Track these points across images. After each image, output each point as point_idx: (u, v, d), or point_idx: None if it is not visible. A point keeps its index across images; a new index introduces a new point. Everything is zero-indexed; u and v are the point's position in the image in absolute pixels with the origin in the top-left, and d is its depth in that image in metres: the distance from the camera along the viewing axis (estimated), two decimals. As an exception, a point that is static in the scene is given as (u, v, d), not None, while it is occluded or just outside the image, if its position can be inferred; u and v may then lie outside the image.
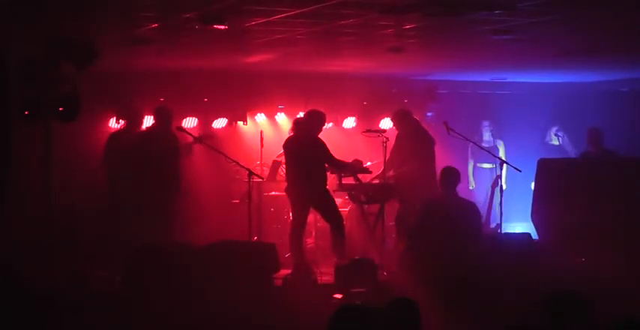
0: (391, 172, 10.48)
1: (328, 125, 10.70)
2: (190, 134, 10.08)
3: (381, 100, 12.55)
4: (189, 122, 11.57)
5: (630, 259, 8.84)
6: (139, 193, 9.78)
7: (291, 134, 10.16)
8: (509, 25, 7.83)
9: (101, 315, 7.53)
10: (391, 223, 10.39)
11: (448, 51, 10.01)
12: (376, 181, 10.40)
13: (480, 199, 11.92)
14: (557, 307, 5.15)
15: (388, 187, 10.12)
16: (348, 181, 9.92)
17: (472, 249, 8.56)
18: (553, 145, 13.04)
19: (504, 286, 8.07)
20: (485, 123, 12.88)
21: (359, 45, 9.23)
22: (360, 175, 9.94)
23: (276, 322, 7.63)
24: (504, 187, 10.51)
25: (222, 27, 7.43)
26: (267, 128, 11.96)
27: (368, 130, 10.51)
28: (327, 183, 9.76)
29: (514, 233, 10.60)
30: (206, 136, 10.27)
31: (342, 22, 7.62)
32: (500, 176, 10.82)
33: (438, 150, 10.62)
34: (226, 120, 11.96)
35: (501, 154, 12.49)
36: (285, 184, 9.88)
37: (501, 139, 12.97)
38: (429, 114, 12.58)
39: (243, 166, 9.56)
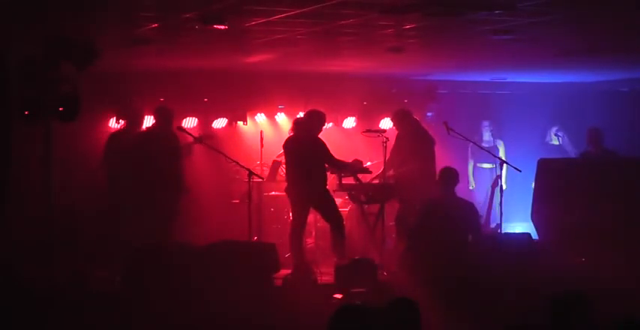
0: (391, 172, 10.48)
1: (328, 125, 10.70)
2: (190, 134, 10.08)
3: (381, 100, 12.55)
4: (189, 122, 11.57)
5: (630, 259, 8.84)
6: (139, 193, 9.78)
7: (291, 134, 10.16)
8: (509, 25, 7.83)
9: (101, 315, 7.53)
10: (391, 223, 10.39)
11: (448, 51, 10.01)
12: (376, 181, 10.40)
13: (480, 199, 11.93)
14: (558, 307, 5.16)
15: (388, 187, 10.12)
16: (348, 181, 9.92)
17: (472, 249, 8.58)
18: (553, 145, 13.05)
19: (504, 286, 8.07)
20: (485, 123, 12.89)
21: (359, 45, 9.23)
22: (360, 175, 9.94)
23: (276, 322, 7.63)
24: (504, 187, 10.51)
25: (222, 27, 7.43)
26: (267, 128, 11.96)
27: (368, 130, 10.51)
28: (327, 183, 9.76)
29: (514, 233, 10.60)
30: (206, 136, 10.27)
31: (342, 22, 7.62)
32: (500, 176, 10.82)
33: (438, 150, 10.62)
34: (226, 120, 11.96)
35: (501, 154, 12.49)
36: (285, 184, 9.88)
37: (501, 139, 12.97)
38: (429, 114, 12.58)
39: (243, 166, 9.56)
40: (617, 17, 7.71)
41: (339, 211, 9.88)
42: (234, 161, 9.63)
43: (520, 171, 10.12)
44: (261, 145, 11.08)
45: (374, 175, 10.42)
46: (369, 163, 10.59)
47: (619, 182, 9.93)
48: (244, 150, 11.45)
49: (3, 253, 8.34)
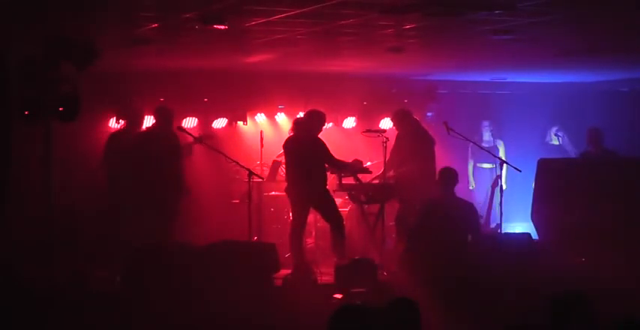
0: (391, 173, 10.48)
1: (328, 125, 10.70)
2: (190, 134, 10.08)
3: (381, 100, 12.55)
4: (189, 122, 11.57)
5: (630, 259, 8.84)
6: (139, 193, 9.78)
7: (291, 134, 10.16)
8: (509, 25, 7.83)
9: (101, 315, 7.53)
10: (391, 223, 10.39)
11: (448, 51, 10.01)
12: (376, 181, 10.40)
13: (480, 199, 11.94)
14: (558, 307, 5.16)
15: (388, 187, 10.12)
16: (348, 181, 9.92)
17: (472, 249, 8.58)
18: (553, 145, 13.05)
19: (504, 286, 8.07)
20: (485, 123, 12.89)
21: (359, 45, 9.23)
22: (360, 175, 9.94)
23: (276, 322, 7.63)
24: (504, 187, 10.51)
25: (222, 27, 7.43)
26: (267, 128, 11.96)
27: (368, 130, 10.52)
28: (327, 183, 9.76)
29: (514, 233, 10.60)
30: (206, 136, 10.27)
31: (342, 22, 7.62)
32: (500, 176, 10.82)
33: (438, 150, 10.62)
34: (226, 120, 11.96)
35: (501, 154, 12.49)
36: (285, 184, 9.88)
37: (501, 139, 12.97)
38: (429, 114, 12.58)
39: (243, 166, 9.56)
40: (617, 17, 7.71)
41: (339, 211, 9.88)
42: (234, 161, 9.63)
43: (520, 171, 10.12)
44: (261, 145, 11.08)
45: (374, 175, 10.42)
46: (369, 163, 10.60)
47: (619, 182, 9.93)
48: (244, 150, 11.45)
49: (3, 253, 8.34)
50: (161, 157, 9.84)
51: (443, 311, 7.21)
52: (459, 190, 9.03)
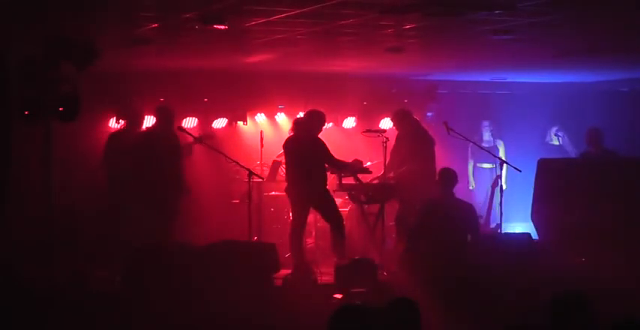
0: (391, 173, 10.48)
1: (328, 125, 10.69)
2: (190, 134, 10.08)
3: (381, 100, 12.55)
4: (189, 122, 11.57)
5: (630, 259, 8.84)
6: (139, 193, 9.78)
7: (291, 134, 10.16)
8: (509, 25, 7.83)
9: (101, 315, 7.53)
10: (391, 223, 10.39)
11: (448, 51, 10.01)
12: (376, 182, 10.40)
13: (480, 199, 11.93)
14: (558, 307, 5.16)
15: (388, 187, 10.12)
16: (348, 181, 9.92)
17: (472, 249, 8.58)
18: (553, 145, 13.05)
19: (504, 286, 8.07)
20: (485, 123, 12.88)
21: (359, 45, 9.23)
22: (360, 175, 9.94)
23: (276, 322, 7.63)
24: (504, 187, 10.51)
25: (222, 27, 7.43)
26: (267, 128, 11.95)
27: (368, 130, 10.53)
28: (327, 183, 9.76)
29: (514, 233, 10.60)
30: (206, 137, 10.27)
31: (342, 22, 7.62)
32: (500, 176, 10.82)
33: (438, 150, 10.63)
34: (226, 120, 11.95)
35: (501, 154, 12.48)
36: (285, 184, 9.88)
37: (501, 139, 12.97)
38: (429, 114, 12.57)
39: (243, 166, 9.56)
40: (617, 17, 7.71)
41: (339, 211, 9.88)
42: (234, 161, 9.63)
43: (520, 171, 10.12)
44: (261, 145, 11.09)
45: (374, 175, 10.42)
46: (369, 163, 10.60)
47: (619, 182, 9.93)
48: (244, 150, 11.44)
49: (3, 253, 8.34)
50: (162, 157, 9.84)
51: (443, 311, 7.21)
52: (458, 190, 9.04)
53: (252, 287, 8.12)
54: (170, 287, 8.01)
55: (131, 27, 7.93)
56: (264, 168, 11.03)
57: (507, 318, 7.06)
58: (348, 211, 10.98)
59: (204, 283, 8.03)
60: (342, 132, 12.41)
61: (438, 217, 8.59)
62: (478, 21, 7.63)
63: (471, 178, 12.85)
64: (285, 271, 9.11)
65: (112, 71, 9.74)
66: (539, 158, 10.53)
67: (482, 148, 11.54)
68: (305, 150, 9.63)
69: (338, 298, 8.30)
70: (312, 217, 10.29)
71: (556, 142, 12.97)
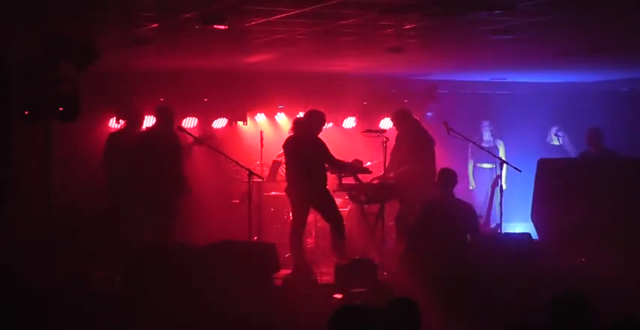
0: (391, 173, 10.48)
1: (328, 125, 10.69)
2: (191, 134, 10.08)
3: (381, 100, 12.55)
4: (189, 122, 11.56)
5: (630, 259, 8.84)
6: (139, 193, 9.78)
7: (291, 134, 10.16)
8: (509, 25, 7.83)
9: (101, 315, 7.53)
10: (391, 223, 10.39)
11: (448, 51, 10.01)
12: (376, 182, 10.40)
13: (480, 199, 11.93)
14: (558, 307, 5.16)
15: (388, 187, 10.12)
16: (348, 181, 9.92)
17: (472, 249, 8.58)
18: (553, 145, 13.05)
19: (504, 286, 8.07)
20: (485, 123, 12.88)
21: (359, 45, 9.23)
22: (360, 175, 9.94)
23: (276, 322, 7.63)
24: (504, 187, 10.51)
25: (222, 27, 7.43)
26: (267, 128, 11.95)
27: (368, 130, 10.54)
28: (327, 183, 9.76)
29: (514, 233, 10.60)
30: (206, 138, 10.26)
31: (342, 22, 7.62)
32: (500, 176, 10.82)
33: (438, 150, 10.63)
34: (226, 120, 11.95)
35: (501, 154, 12.48)
36: (285, 184, 9.88)
37: (501, 139, 12.97)
38: (429, 114, 12.57)
39: (243, 166, 9.56)
40: (617, 17, 7.71)
41: (339, 211, 9.88)
42: (234, 161, 9.63)
43: (520, 171, 10.12)
44: (261, 145, 11.09)
45: (374, 175, 10.41)
46: (369, 163, 10.60)
47: (619, 182, 9.93)
48: (244, 150, 11.44)
49: (3, 253, 8.34)
50: (162, 157, 9.84)
51: (443, 311, 7.21)
52: (458, 190, 9.04)
53: (252, 287, 8.12)
54: (170, 287, 8.01)
55: (131, 27, 7.93)
56: (264, 168, 11.03)
57: (507, 318, 7.06)
58: (348, 211, 10.98)
59: (204, 283, 8.03)
60: (342, 132, 12.41)
61: (438, 217, 8.59)
62: (478, 21, 7.63)
63: (471, 178, 12.85)
64: (285, 271, 9.11)
65: (112, 71, 9.74)
66: (539, 158, 10.53)
67: (482, 148, 11.54)
68: (305, 150, 9.63)
69: (338, 298, 8.30)
70: (312, 217, 10.29)
71: (556, 142, 12.97)
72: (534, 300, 7.00)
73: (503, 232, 9.92)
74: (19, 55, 8.03)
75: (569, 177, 10.13)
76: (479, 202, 11.64)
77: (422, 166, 10.25)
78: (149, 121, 10.63)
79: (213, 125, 11.84)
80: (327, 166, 9.68)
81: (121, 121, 10.64)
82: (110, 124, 11.01)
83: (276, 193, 11.06)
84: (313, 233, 10.75)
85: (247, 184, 9.42)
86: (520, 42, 8.75)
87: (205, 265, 8.27)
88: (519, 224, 11.93)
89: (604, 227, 9.61)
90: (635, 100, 13.05)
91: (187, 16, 7.25)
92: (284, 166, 10.14)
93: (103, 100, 10.59)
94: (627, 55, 10.25)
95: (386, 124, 12.18)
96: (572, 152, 12.63)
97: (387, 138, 10.12)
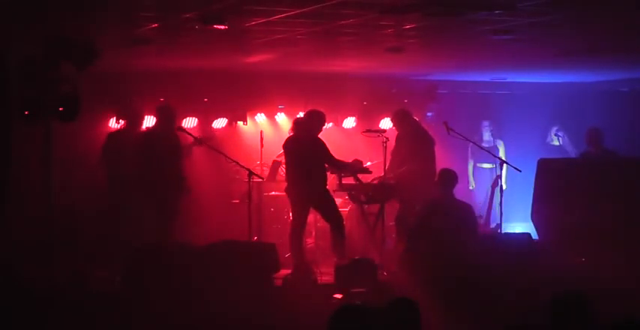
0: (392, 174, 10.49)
1: (328, 125, 10.69)
2: (191, 134, 10.07)
3: (381, 100, 12.55)
4: (189, 122, 11.56)
5: (630, 259, 8.84)
6: (139, 193, 9.78)
7: (291, 134, 10.16)
8: (509, 25, 7.83)
9: (101, 315, 7.53)
10: (391, 223, 10.39)
11: (448, 51, 10.01)
12: (376, 182, 10.40)
13: (480, 199, 11.93)
14: (558, 307, 5.16)
15: (388, 187, 10.12)
16: (348, 181, 9.92)
17: (471, 249, 8.58)
18: (554, 145, 13.05)
19: (504, 286, 8.07)
20: (485, 123, 12.88)
21: (359, 45, 9.23)
22: (360, 175, 9.94)
23: (276, 322, 7.63)
24: (504, 187, 10.51)
25: (222, 27, 7.43)
26: (267, 128, 11.95)
27: (368, 130, 10.53)
28: (327, 183, 9.76)
29: (514, 233, 10.60)
30: (206, 138, 10.24)
31: (342, 22, 7.62)
32: (500, 176, 10.82)
33: (438, 150, 10.63)
34: (226, 120, 11.95)
35: (501, 154, 12.48)
36: (285, 184, 9.88)
37: (501, 139, 12.97)
38: (429, 114, 12.58)
39: (243, 166, 9.56)
40: (617, 17, 7.71)
41: (339, 211, 9.88)
42: (234, 161, 9.63)
43: (520, 171, 10.12)
44: (261, 145, 11.09)
45: (374, 175, 10.41)
46: (369, 163, 10.60)
47: (619, 182, 9.93)
48: (244, 150, 11.44)
49: (3, 253, 8.34)
50: (162, 156, 9.83)
51: (443, 311, 7.21)
52: (458, 190, 9.04)
53: (252, 287, 8.12)
54: (170, 287, 8.01)
55: (131, 27, 7.93)
56: (264, 168, 11.03)
57: (507, 318, 7.06)
58: (348, 211, 10.98)
59: (204, 283, 8.03)
60: (342, 132, 12.41)
61: (438, 217, 8.60)
62: (478, 21, 7.63)
63: (471, 178, 12.85)
64: (285, 271, 9.11)
65: (112, 71, 9.74)
66: (539, 158, 10.53)
67: (482, 148, 11.54)
68: (305, 150, 9.63)
69: (338, 298, 8.30)
70: (312, 217, 10.29)
71: (556, 143, 12.97)
72: (534, 300, 7.00)
73: (503, 232, 9.92)
74: (19, 55, 8.03)
75: (569, 177, 10.13)
76: (479, 202, 11.64)
77: (422, 166, 10.25)
78: (149, 121, 10.63)
79: (213, 125, 11.84)
80: (327, 166, 9.69)
81: (121, 121, 10.63)
82: (110, 124, 11.00)
83: (276, 193, 11.06)
84: (313, 233, 10.75)
85: (247, 184, 9.42)
86: (520, 42, 8.75)
87: (205, 265, 8.26)
88: (519, 224, 11.93)
89: (604, 227, 9.61)
90: (635, 100, 13.05)
91: (187, 16, 7.25)
92: (284, 166, 10.14)
93: (103, 100, 10.59)
94: (627, 55, 10.25)
95: (386, 124, 12.18)
96: (572, 152, 12.63)
97: (387, 138, 10.12)
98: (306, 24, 7.75)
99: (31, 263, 8.50)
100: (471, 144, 11.80)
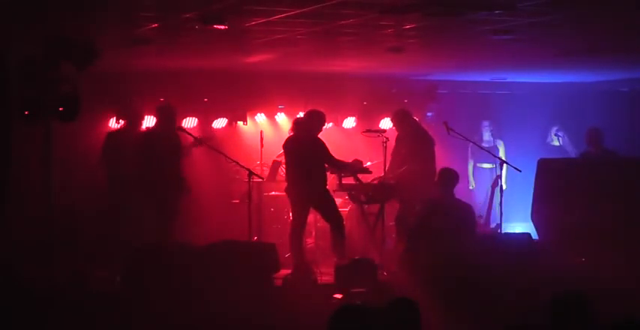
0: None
1: (328, 125, 10.69)
2: (191, 135, 10.07)
3: (381, 100, 12.55)
4: (189, 122, 11.56)
5: (630, 259, 8.84)
6: (139, 193, 9.78)
7: (291, 134, 10.16)
8: (509, 25, 7.83)
9: (101, 315, 7.53)
10: (391, 223, 10.39)
11: (448, 51, 10.01)
12: (376, 182, 10.40)
13: (480, 199, 11.94)
14: (558, 307, 5.16)
15: (388, 187, 10.12)
16: (348, 181, 9.92)
17: (471, 249, 8.58)
18: (554, 145, 13.05)
19: (504, 286, 8.07)
20: (485, 123, 12.88)
21: (359, 45, 9.23)
22: (360, 175, 9.94)
23: (276, 322, 7.63)
24: (504, 187, 10.51)
25: (222, 27, 7.43)
26: (267, 128, 11.95)
27: (368, 130, 10.53)
28: (327, 183, 9.76)
29: (514, 233, 10.60)
30: (206, 139, 10.24)
31: (342, 22, 7.61)
32: (500, 176, 10.82)
33: (438, 150, 10.63)
34: (226, 120, 11.95)
35: (501, 154, 12.48)
36: (285, 184, 9.88)
37: (501, 139, 12.97)
38: (429, 114, 12.58)
39: (243, 166, 9.56)
40: (617, 17, 7.71)
41: (339, 211, 9.88)
42: (234, 161, 9.63)
43: (520, 171, 10.12)
44: (261, 145, 11.09)
45: (374, 175, 10.41)
46: (369, 163, 10.60)
47: (619, 182, 9.93)
48: (244, 150, 11.44)
49: (3, 253, 8.34)
50: (162, 156, 9.83)
51: (443, 311, 7.21)
52: (458, 190, 9.04)
53: (252, 287, 8.12)
54: (170, 287, 8.01)
55: (131, 27, 7.93)
56: (264, 168, 11.03)
57: (507, 318, 7.06)
58: (348, 211, 10.98)
59: (204, 283, 8.03)
60: (342, 132, 12.41)
61: (438, 217, 8.60)
62: (478, 21, 7.63)
63: (471, 178, 12.85)
64: (285, 271, 9.11)
65: (112, 71, 9.74)
66: (539, 158, 10.53)
67: (482, 148, 11.54)
68: (305, 150, 9.63)
69: (338, 298, 8.30)
70: (312, 217, 10.29)
71: (556, 143, 12.97)
72: (534, 300, 7.00)
73: (503, 232, 9.92)
74: (19, 55, 8.03)
75: (569, 177, 10.13)
76: (479, 202, 11.64)
77: (422, 167, 10.25)
78: (149, 121, 10.63)
79: (213, 125, 11.84)
80: (327, 166, 9.69)
81: (121, 120, 10.63)
82: (110, 124, 11.00)
83: (276, 193, 11.06)
84: (313, 233, 10.75)
85: (247, 184, 9.42)
86: (520, 42, 8.75)
87: (205, 265, 8.26)
88: (519, 224, 11.93)
89: (604, 227, 9.61)
90: (635, 100, 13.05)
91: (187, 16, 7.25)
92: (284, 166, 10.14)
93: (103, 100, 10.59)
94: (627, 55, 10.25)
95: (386, 124, 12.18)
96: (572, 152, 12.63)
97: (387, 138, 10.12)
98: (306, 24, 7.74)
99: (31, 263, 8.50)
100: (471, 144, 11.80)
